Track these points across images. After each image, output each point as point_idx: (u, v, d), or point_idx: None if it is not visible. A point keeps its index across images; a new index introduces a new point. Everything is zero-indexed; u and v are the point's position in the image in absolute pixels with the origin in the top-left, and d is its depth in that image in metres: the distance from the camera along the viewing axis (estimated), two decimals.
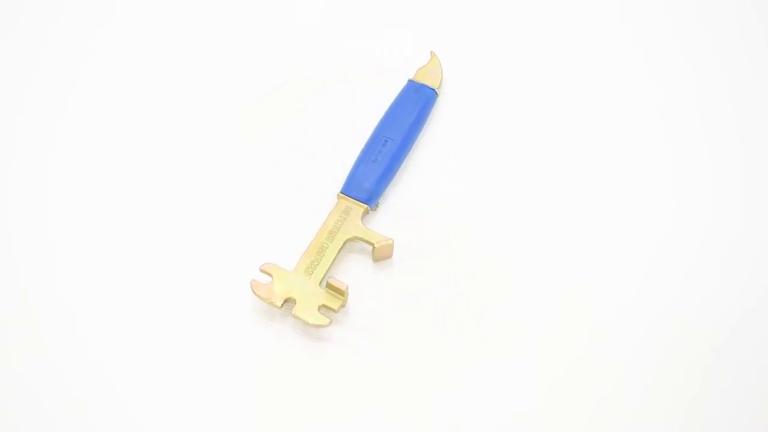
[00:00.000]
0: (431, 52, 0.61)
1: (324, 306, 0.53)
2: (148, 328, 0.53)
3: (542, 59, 0.63)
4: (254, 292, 0.53)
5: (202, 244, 0.56)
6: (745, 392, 0.52)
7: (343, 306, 0.54)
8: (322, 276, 0.54)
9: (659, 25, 0.65)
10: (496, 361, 0.53)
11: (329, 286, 0.53)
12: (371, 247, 0.55)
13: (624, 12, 0.65)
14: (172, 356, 0.53)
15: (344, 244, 0.55)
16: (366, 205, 0.56)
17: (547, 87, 0.62)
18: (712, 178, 0.59)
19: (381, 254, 0.55)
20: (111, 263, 0.55)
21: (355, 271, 0.56)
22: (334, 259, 0.55)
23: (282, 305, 0.53)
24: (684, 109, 0.61)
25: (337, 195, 0.56)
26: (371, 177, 0.56)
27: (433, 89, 0.59)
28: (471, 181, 0.58)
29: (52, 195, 0.58)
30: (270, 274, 0.54)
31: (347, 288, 0.53)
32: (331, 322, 0.53)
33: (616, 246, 0.56)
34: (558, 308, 0.54)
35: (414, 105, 0.59)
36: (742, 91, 0.62)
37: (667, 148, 0.59)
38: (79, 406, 0.51)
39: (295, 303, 0.53)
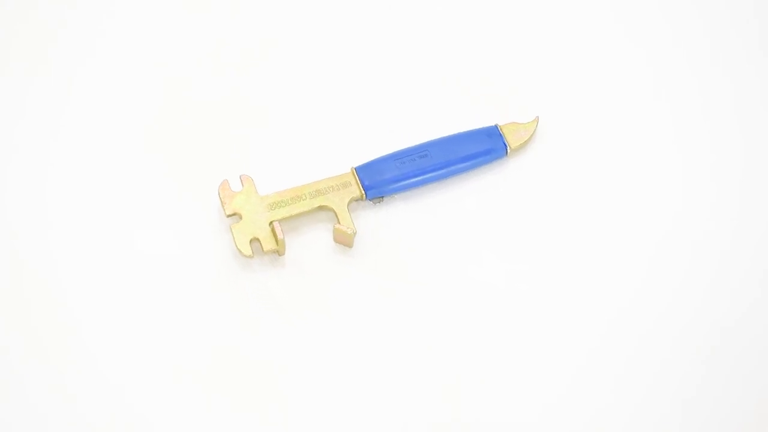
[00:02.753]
0: (537, 117, 0.59)
1: (257, 240, 0.55)
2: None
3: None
4: (218, 189, 0.56)
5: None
6: (745, 393, 0.53)
7: (277, 254, 0.55)
8: (278, 218, 0.55)
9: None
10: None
11: (271, 228, 0.54)
12: None
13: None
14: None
15: (319, 207, 0.56)
16: (363, 192, 0.56)
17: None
18: None
19: (339, 237, 0.56)
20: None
21: (313, 238, 0.56)
22: (301, 214, 0.56)
23: (229, 216, 0.55)
24: None
25: (351, 168, 0.57)
26: (386, 173, 0.56)
27: (506, 146, 0.58)
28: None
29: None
30: (242, 185, 0.56)
31: (283, 240, 0.54)
32: (252, 256, 0.54)
33: (617, 247, 0.56)
34: (556, 311, 0.55)
35: (477, 145, 0.58)
36: None
37: None
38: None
39: (239, 221, 0.55)
